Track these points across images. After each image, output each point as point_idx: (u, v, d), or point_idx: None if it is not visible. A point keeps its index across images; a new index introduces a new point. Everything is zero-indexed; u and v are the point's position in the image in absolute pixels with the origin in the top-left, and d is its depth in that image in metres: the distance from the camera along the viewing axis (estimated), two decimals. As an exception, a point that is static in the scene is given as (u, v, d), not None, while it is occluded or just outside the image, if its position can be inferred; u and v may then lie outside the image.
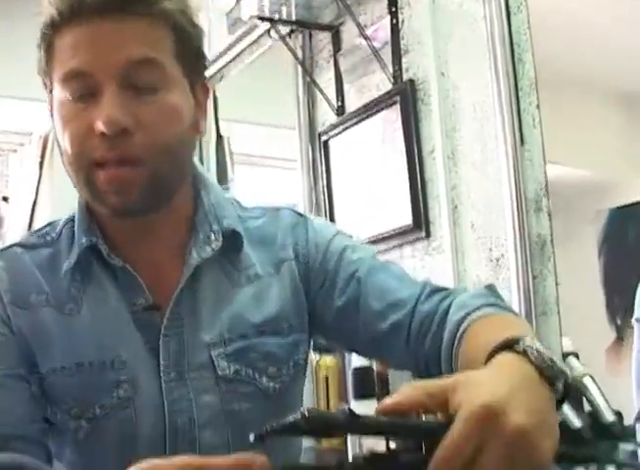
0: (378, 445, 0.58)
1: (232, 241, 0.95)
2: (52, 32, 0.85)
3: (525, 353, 0.64)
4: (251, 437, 0.55)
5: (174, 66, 0.88)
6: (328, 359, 2.04)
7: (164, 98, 0.86)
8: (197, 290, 0.92)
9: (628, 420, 1.63)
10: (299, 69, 2.52)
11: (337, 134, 2.37)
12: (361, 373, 1.93)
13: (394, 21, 2.17)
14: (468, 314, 0.82)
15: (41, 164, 3.29)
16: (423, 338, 0.90)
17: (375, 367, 1.90)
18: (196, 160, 1.01)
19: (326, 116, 2.45)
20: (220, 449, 0.84)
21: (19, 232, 3.12)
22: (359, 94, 2.32)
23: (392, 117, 2.15)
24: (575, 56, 1.96)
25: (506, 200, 1.84)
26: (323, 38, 2.47)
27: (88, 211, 0.93)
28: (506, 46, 1.83)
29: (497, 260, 1.87)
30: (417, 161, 2.07)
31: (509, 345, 0.67)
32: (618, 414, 1.67)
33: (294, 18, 2.39)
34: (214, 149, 2.99)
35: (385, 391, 1.94)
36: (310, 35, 2.53)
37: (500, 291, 0.94)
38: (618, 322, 1.81)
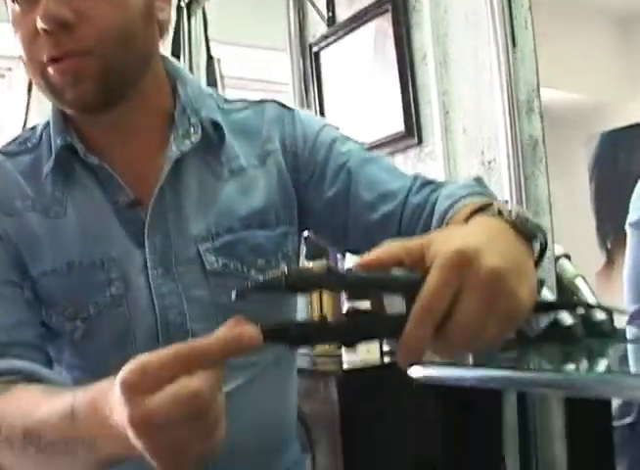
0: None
1: (213, 132, 0.93)
2: None
3: (500, 214, 0.64)
4: (233, 294, 0.55)
5: None
6: (320, 264, 2.05)
7: None
8: (179, 185, 0.91)
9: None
10: (289, -20, 2.48)
11: (328, 45, 2.34)
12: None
13: None
14: (455, 202, 0.82)
15: (29, 89, 3.25)
16: (413, 229, 0.90)
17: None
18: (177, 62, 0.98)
19: (317, 27, 2.42)
20: None
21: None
22: (350, 3, 2.29)
23: (384, 25, 2.13)
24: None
25: (498, 102, 1.83)
26: (312, -52, 2.43)
27: (62, 112, 0.92)
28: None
29: (489, 163, 1.87)
30: (409, 68, 2.06)
31: (484, 208, 0.68)
32: (609, 313, 1.71)
33: None
34: (205, 71, 2.95)
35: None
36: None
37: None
38: (609, 246, 1.83)
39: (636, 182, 1.61)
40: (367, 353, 1.77)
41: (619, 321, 1.66)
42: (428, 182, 0.93)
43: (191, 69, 2.87)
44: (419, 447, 1.74)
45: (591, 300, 1.69)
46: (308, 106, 2.43)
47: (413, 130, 2.04)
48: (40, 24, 0.80)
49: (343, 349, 1.81)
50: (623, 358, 1.60)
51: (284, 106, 1.01)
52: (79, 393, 0.64)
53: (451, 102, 1.98)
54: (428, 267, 0.54)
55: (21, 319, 0.87)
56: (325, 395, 1.71)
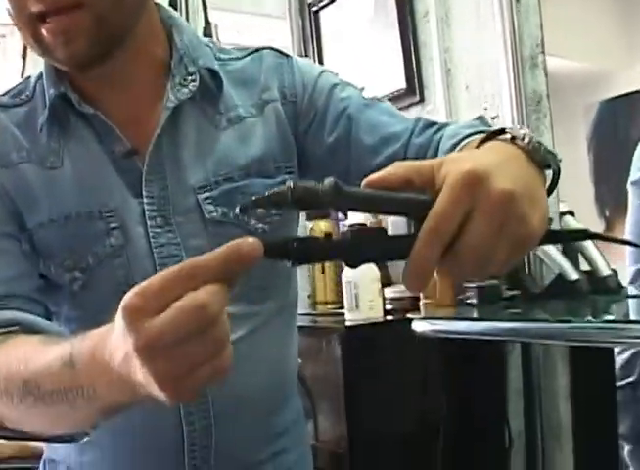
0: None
1: (210, 81, 0.92)
2: None
3: (513, 140, 0.61)
4: (237, 209, 0.54)
5: None
6: (322, 224, 2.04)
7: None
8: (177, 134, 0.90)
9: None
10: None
11: (327, 4, 2.30)
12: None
13: None
14: (459, 141, 0.80)
15: (24, 55, 3.22)
16: None
17: (369, 225, 1.89)
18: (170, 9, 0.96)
19: (316, -15, 2.38)
20: None
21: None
22: (349, -40, 2.25)
23: (384, -19, 2.09)
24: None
25: (501, 58, 1.80)
26: None
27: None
28: None
29: (493, 120, 1.84)
30: (410, 24, 2.02)
31: (497, 134, 0.66)
32: (613, 271, 1.70)
33: None
34: (202, 36, 2.91)
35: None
36: None
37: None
38: (607, 214, 1.83)
39: (634, 151, 1.60)
40: (370, 311, 1.76)
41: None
42: (430, 124, 0.92)
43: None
44: (422, 404, 1.74)
45: (596, 255, 1.69)
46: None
47: (415, 88, 2.02)
48: None
49: (346, 304, 1.81)
50: (627, 314, 1.60)
51: (281, 53, 0.99)
52: (77, 340, 0.63)
53: (453, 59, 1.94)
54: (438, 190, 0.52)
55: (19, 272, 0.86)
56: (327, 354, 1.71)
